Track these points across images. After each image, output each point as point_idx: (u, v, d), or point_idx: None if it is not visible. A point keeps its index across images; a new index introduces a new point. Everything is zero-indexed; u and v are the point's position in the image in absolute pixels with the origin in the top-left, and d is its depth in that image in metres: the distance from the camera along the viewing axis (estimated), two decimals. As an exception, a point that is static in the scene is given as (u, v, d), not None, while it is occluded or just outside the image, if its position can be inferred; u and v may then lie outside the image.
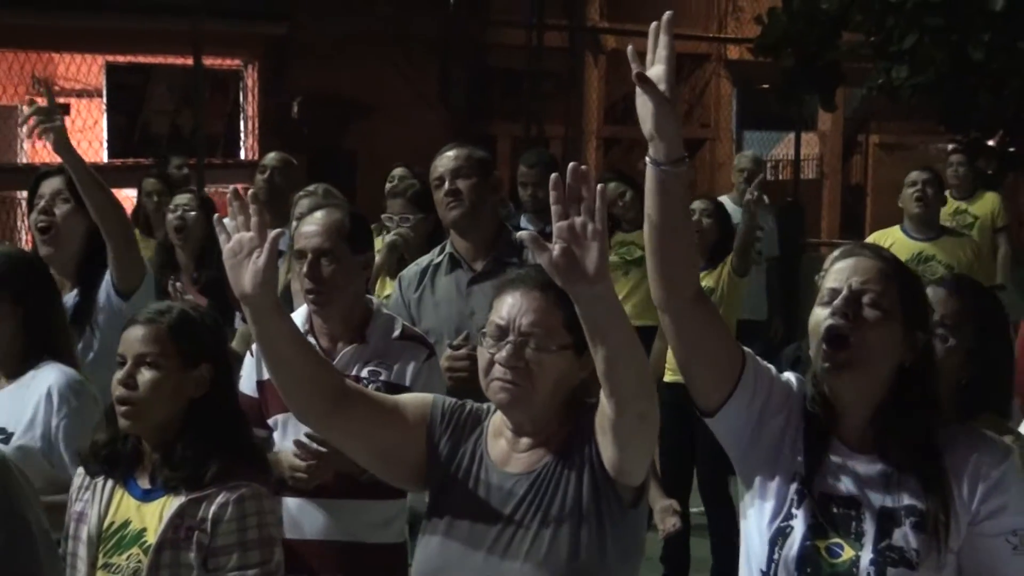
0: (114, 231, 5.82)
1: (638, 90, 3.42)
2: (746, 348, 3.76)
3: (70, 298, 5.91)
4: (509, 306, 3.76)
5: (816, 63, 17.82)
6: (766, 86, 21.22)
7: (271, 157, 10.28)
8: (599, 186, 3.28)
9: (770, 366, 3.79)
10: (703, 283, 9.05)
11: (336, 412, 3.81)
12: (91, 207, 5.80)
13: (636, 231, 9.69)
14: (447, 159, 6.29)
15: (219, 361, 4.30)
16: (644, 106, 3.45)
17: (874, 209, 25.47)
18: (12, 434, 4.77)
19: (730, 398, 3.63)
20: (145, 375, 4.15)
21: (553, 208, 3.29)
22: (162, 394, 4.14)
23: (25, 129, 5.81)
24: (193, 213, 8.18)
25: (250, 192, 3.75)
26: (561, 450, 3.76)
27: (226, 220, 3.70)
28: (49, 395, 4.77)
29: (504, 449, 3.83)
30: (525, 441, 3.80)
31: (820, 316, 3.56)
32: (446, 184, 6.18)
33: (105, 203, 5.82)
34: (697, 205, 9.02)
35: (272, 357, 3.76)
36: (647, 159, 3.48)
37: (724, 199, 11.94)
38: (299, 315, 5.37)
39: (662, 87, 3.42)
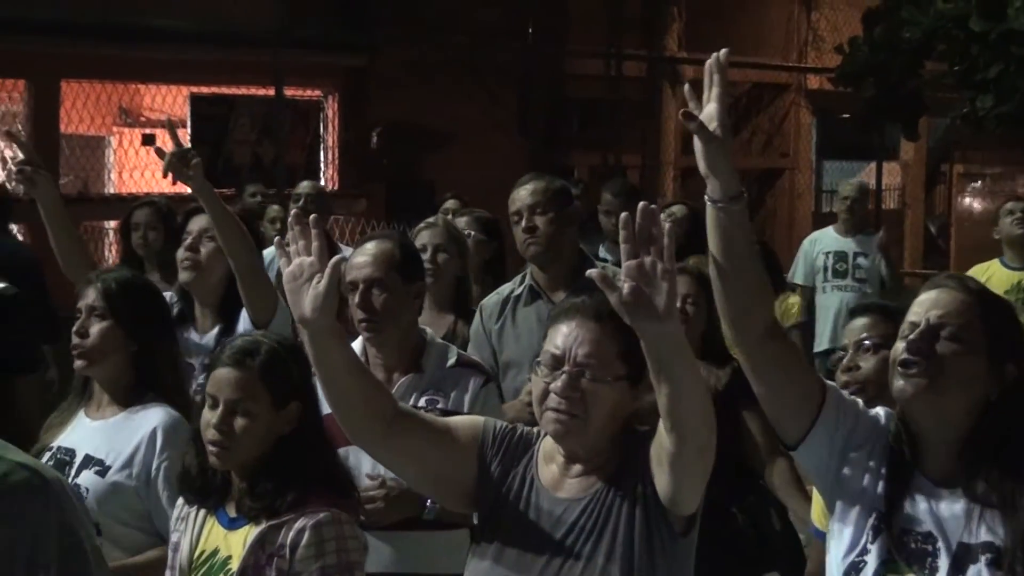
0: (242, 263, 5.92)
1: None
2: (829, 382, 3.78)
3: (213, 335, 6.13)
4: (564, 336, 3.77)
5: (898, 92, 17.81)
6: (846, 115, 21.27)
7: (304, 186, 10.48)
8: (668, 226, 3.31)
9: (857, 400, 3.79)
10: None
11: (391, 435, 3.85)
12: (222, 240, 5.94)
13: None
14: (524, 193, 6.30)
15: (308, 396, 4.34)
16: (698, 144, 3.54)
17: (958, 239, 25.36)
18: (109, 467, 4.82)
19: (811, 431, 3.65)
20: (239, 422, 4.21)
21: (623, 247, 3.31)
22: (254, 439, 4.21)
23: (164, 167, 5.90)
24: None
25: (312, 217, 3.74)
26: (612, 477, 3.78)
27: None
28: (153, 436, 4.83)
29: (555, 474, 3.85)
30: (577, 467, 3.82)
31: (898, 350, 3.58)
32: (523, 220, 6.21)
33: (235, 237, 5.91)
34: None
35: (329, 380, 3.80)
36: (705, 197, 3.56)
37: (828, 230, 11.91)
38: (354, 347, 5.24)
39: (713, 126, 3.51)
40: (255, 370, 4.23)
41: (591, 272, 3.58)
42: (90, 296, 5.00)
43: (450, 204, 10.05)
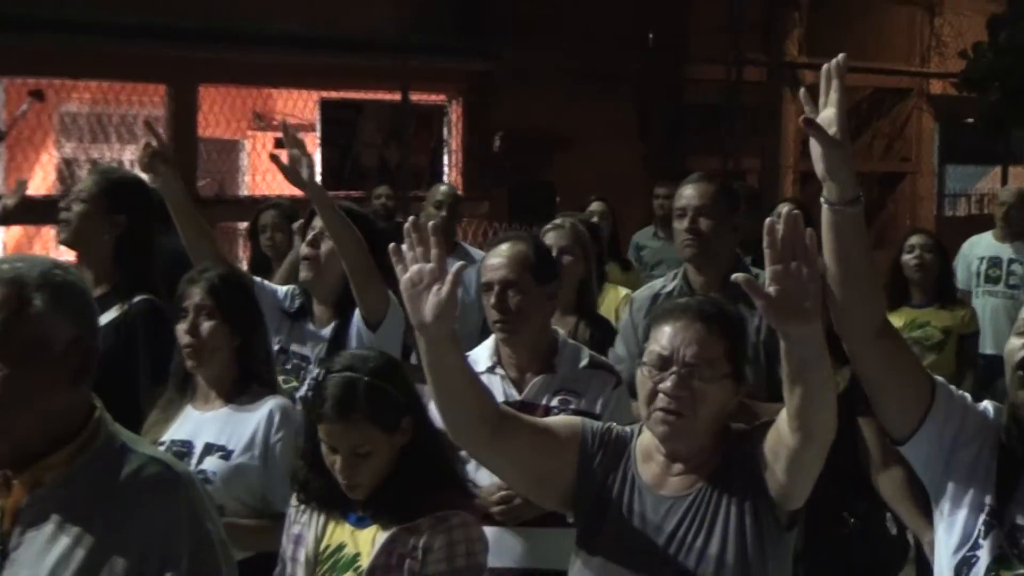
0: (355, 263, 5.82)
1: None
2: (938, 378, 3.69)
3: (328, 331, 6.06)
4: (670, 336, 3.74)
5: (1022, 98, 17.65)
6: (970, 120, 21.03)
7: (443, 190, 10.27)
8: (809, 230, 3.30)
9: (965, 394, 3.71)
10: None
11: (496, 438, 3.82)
12: (333, 239, 5.87)
13: None
14: (692, 193, 6.13)
15: (416, 408, 4.32)
16: (816, 148, 3.48)
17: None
18: (232, 451, 4.87)
19: (920, 428, 3.57)
20: (361, 463, 4.18)
21: (768, 252, 3.30)
22: (377, 469, 4.19)
23: (289, 154, 5.83)
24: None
25: (430, 224, 3.65)
26: (714, 474, 3.75)
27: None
28: (270, 417, 4.87)
29: (656, 472, 3.81)
30: (678, 466, 3.79)
31: (1015, 345, 3.53)
32: (686, 221, 6.08)
33: (347, 236, 5.82)
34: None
35: (441, 385, 3.75)
36: (821, 200, 3.49)
37: (986, 235, 11.59)
38: (486, 347, 5.38)
39: (832, 130, 3.44)
40: (361, 417, 4.19)
41: (736, 276, 3.63)
42: (196, 295, 5.04)
43: (595, 207, 9.93)
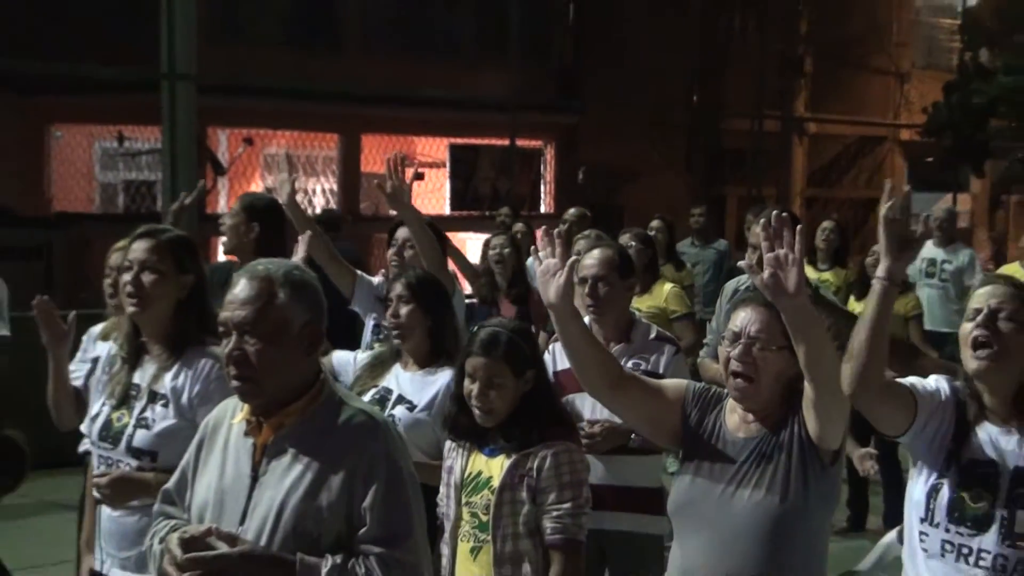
0: (431, 260, 5.68)
1: (881, 225, 3.45)
2: (913, 383, 3.60)
3: None
4: (742, 318, 3.67)
5: (970, 142, 17.55)
6: (930, 159, 20.85)
7: (572, 212, 10.00)
8: (798, 226, 3.26)
9: (930, 386, 3.59)
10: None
11: (617, 388, 3.77)
12: (417, 244, 5.77)
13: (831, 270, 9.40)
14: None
15: (538, 364, 4.27)
16: (891, 239, 3.42)
17: (1014, 251, 24.74)
18: (416, 406, 4.73)
19: (909, 429, 3.51)
20: (493, 393, 4.12)
21: (763, 244, 3.26)
22: (505, 402, 4.12)
23: (390, 182, 5.62)
24: (508, 250, 8.09)
25: (556, 231, 3.62)
26: (777, 424, 3.64)
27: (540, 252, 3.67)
28: (448, 387, 4.65)
29: (737, 421, 3.71)
30: (751, 416, 3.69)
31: (967, 329, 3.44)
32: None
33: (428, 245, 5.73)
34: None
35: (571, 347, 3.72)
36: (880, 276, 3.41)
37: (928, 242, 11.57)
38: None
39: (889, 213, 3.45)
40: (500, 356, 4.13)
41: (742, 263, 3.59)
42: (398, 288, 4.92)
43: (655, 224, 9.59)
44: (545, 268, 3.56)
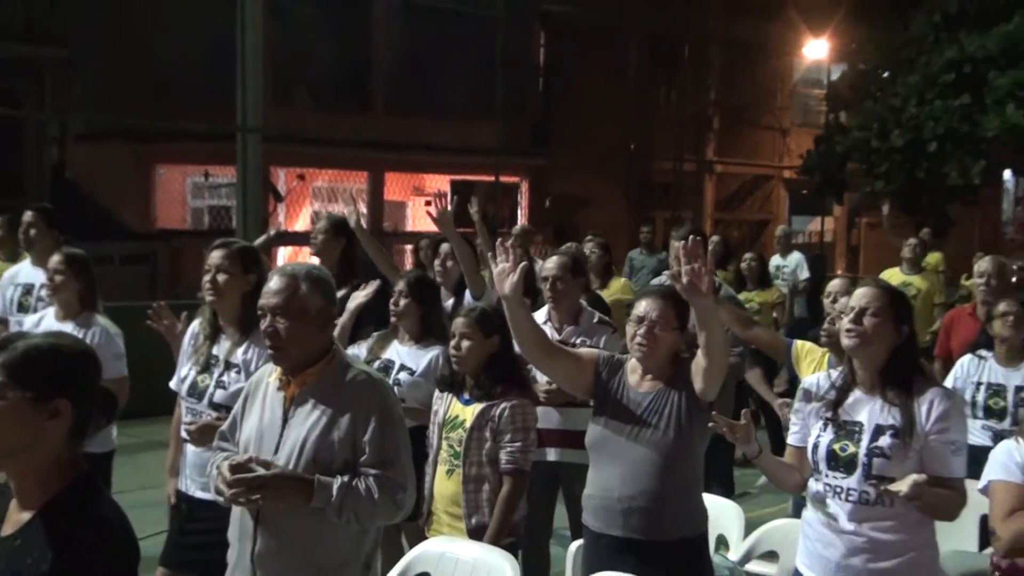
0: (468, 267, 5.51)
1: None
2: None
3: (451, 303, 5.71)
4: (644, 305, 3.64)
5: (832, 180, 17.61)
6: (805, 191, 20.88)
7: (517, 228, 9.67)
8: (712, 246, 3.22)
9: (819, 382, 3.46)
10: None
11: (548, 355, 3.72)
12: (457, 253, 5.61)
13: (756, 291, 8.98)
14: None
15: (504, 333, 4.06)
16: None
17: (864, 258, 24.87)
18: (415, 372, 4.61)
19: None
20: (466, 344, 4.06)
21: (682, 259, 3.23)
22: (477, 356, 4.06)
23: (437, 209, 5.57)
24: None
25: (508, 243, 3.48)
26: (669, 381, 3.63)
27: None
28: (438, 357, 4.56)
29: (637, 379, 3.68)
30: (649, 376, 3.67)
31: (844, 322, 3.32)
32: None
33: (464, 252, 5.55)
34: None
35: (516, 326, 3.62)
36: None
37: (776, 256, 11.52)
38: (542, 313, 5.08)
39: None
40: (474, 319, 4.06)
41: (667, 273, 3.50)
42: (400, 285, 4.78)
43: (591, 238, 9.50)
44: (500, 270, 3.48)
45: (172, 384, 4.09)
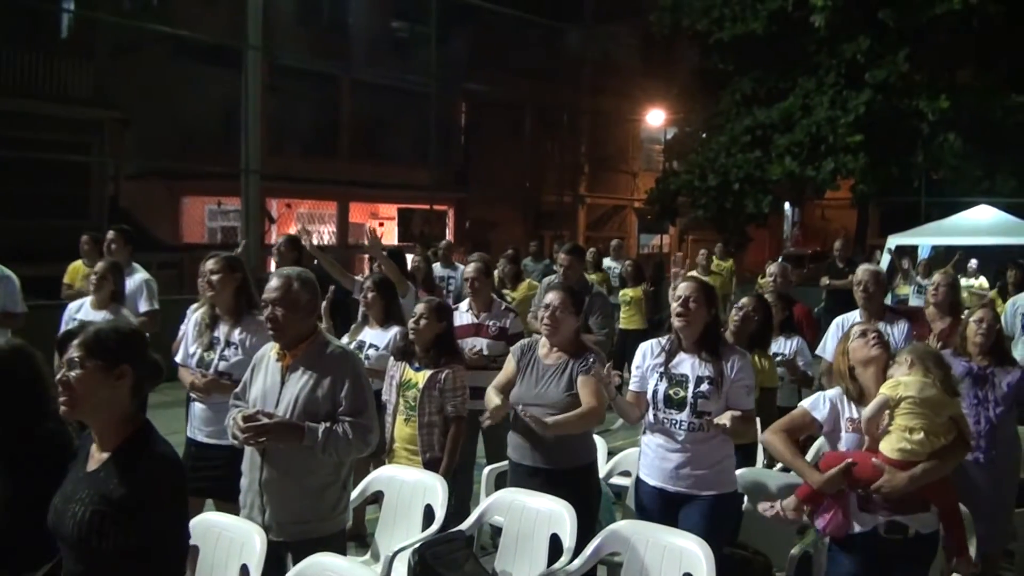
0: (392, 273, 5.07)
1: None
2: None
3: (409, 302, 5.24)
4: (551, 296, 3.55)
5: (668, 209, 17.75)
6: (649, 217, 20.99)
7: (445, 243, 8.93)
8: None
9: (650, 348, 3.34)
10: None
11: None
12: (384, 267, 5.19)
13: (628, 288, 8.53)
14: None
15: (451, 319, 3.93)
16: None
17: (689, 264, 25.04)
18: (379, 348, 4.43)
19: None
20: (423, 323, 3.85)
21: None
22: (429, 334, 3.89)
23: (368, 240, 5.28)
24: (422, 263, 6.75)
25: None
26: (571, 354, 3.50)
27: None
28: (395, 336, 4.34)
29: (546, 352, 3.54)
30: (555, 350, 3.53)
31: (675, 308, 3.26)
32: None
33: (389, 265, 5.19)
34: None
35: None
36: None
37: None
38: (465, 303, 4.79)
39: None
40: (432, 308, 3.89)
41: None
42: (367, 284, 4.59)
43: (509, 252, 7.75)
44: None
45: (178, 358, 3.96)
